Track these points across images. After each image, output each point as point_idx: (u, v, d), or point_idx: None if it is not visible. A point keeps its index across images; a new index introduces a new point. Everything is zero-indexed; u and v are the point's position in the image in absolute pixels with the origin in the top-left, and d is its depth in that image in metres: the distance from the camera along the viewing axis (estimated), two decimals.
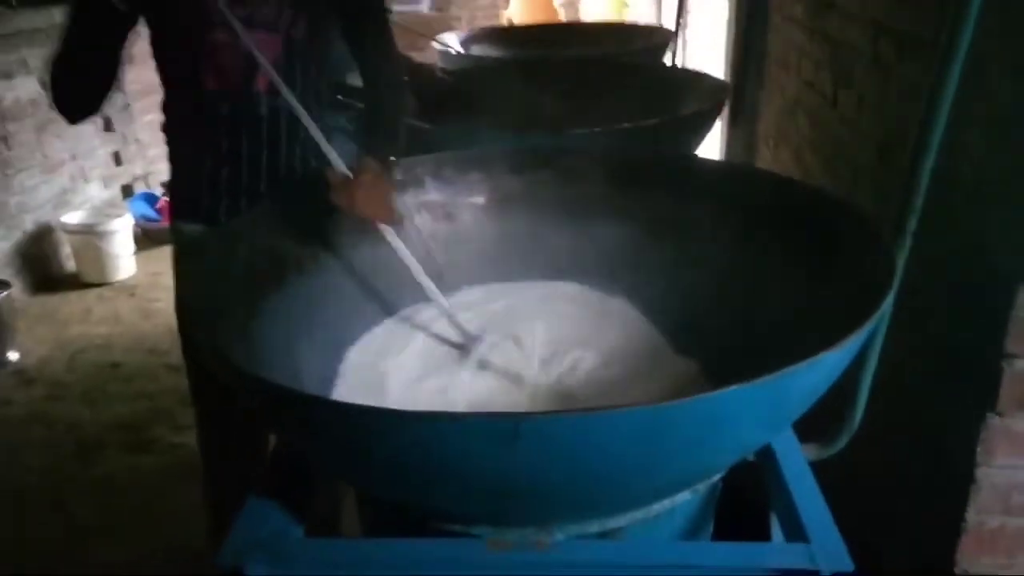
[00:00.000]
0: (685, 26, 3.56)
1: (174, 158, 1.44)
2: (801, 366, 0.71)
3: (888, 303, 0.83)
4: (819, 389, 0.82)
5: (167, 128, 1.44)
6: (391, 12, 1.55)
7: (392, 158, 1.29)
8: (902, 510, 1.33)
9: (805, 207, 1.13)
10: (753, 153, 2.59)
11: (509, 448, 0.67)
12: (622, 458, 0.71)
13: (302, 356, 1.12)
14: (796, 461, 0.99)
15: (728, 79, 2.68)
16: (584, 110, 2.05)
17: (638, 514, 0.90)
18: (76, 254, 3.59)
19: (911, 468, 1.29)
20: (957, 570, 1.18)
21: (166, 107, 1.42)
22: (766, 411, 0.78)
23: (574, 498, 0.81)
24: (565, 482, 0.74)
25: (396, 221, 1.23)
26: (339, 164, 1.22)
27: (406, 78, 1.51)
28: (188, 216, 1.43)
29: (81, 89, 1.27)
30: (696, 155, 1.85)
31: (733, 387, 0.68)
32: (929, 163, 1.02)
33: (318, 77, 1.41)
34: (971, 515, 1.13)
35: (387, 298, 1.31)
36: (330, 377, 1.16)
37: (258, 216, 1.22)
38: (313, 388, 1.07)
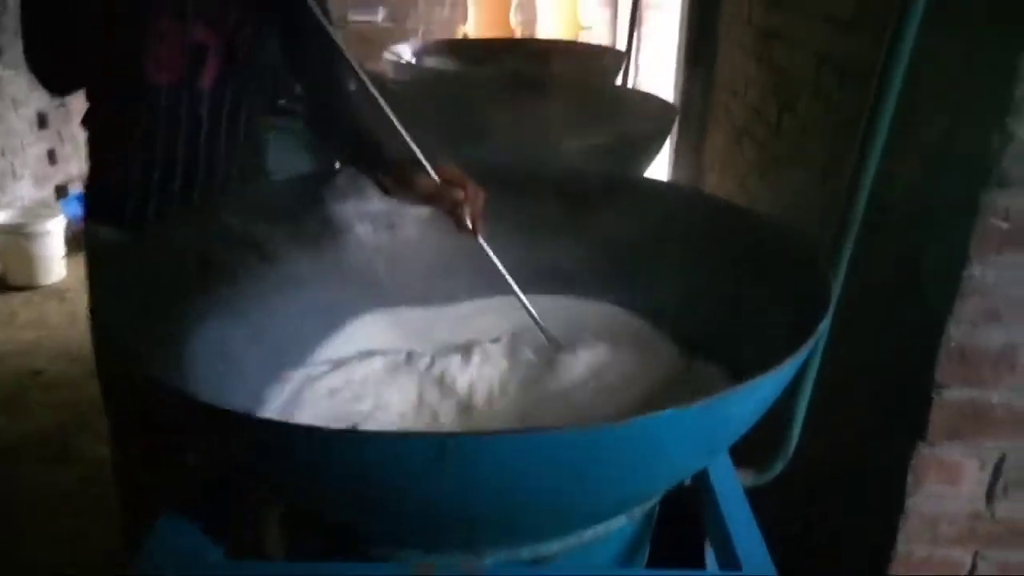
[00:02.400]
0: (638, 49, 3.61)
1: (97, 154, 1.36)
2: (736, 390, 0.70)
3: (823, 328, 0.83)
4: (755, 414, 0.81)
5: (90, 121, 1.35)
6: (343, 24, 1.51)
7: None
8: (837, 537, 1.33)
9: (745, 230, 1.13)
10: (700, 178, 2.62)
11: (435, 468, 0.64)
12: (552, 481, 0.69)
13: (236, 371, 1.07)
14: (732, 488, 0.98)
15: (677, 103, 2.71)
16: (534, 127, 2.05)
17: (571, 540, 0.88)
18: (2, 256, 3.42)
19: (844, 495, 1.30)
20: None
21: (93, 97, 1.33)
22: (701, 436, 0.77)
23: (503, 522, 0.78)
24: (494, 505, 0.71)
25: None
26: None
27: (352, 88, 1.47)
28: (109, 219, 1.34)
29: (60, 43, 1.17)
30: (643, 176, 1.86)
31: (667, 411, 0.66)
32: (865, 190, 1.04)
33: (261, 86, 1.37)
34: (900, 544, 1.14)
35: (333, 311, 1.27)
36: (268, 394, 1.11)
37: (185, 219, 1.16)
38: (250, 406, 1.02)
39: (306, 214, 1.30)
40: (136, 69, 1.25)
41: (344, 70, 1.34)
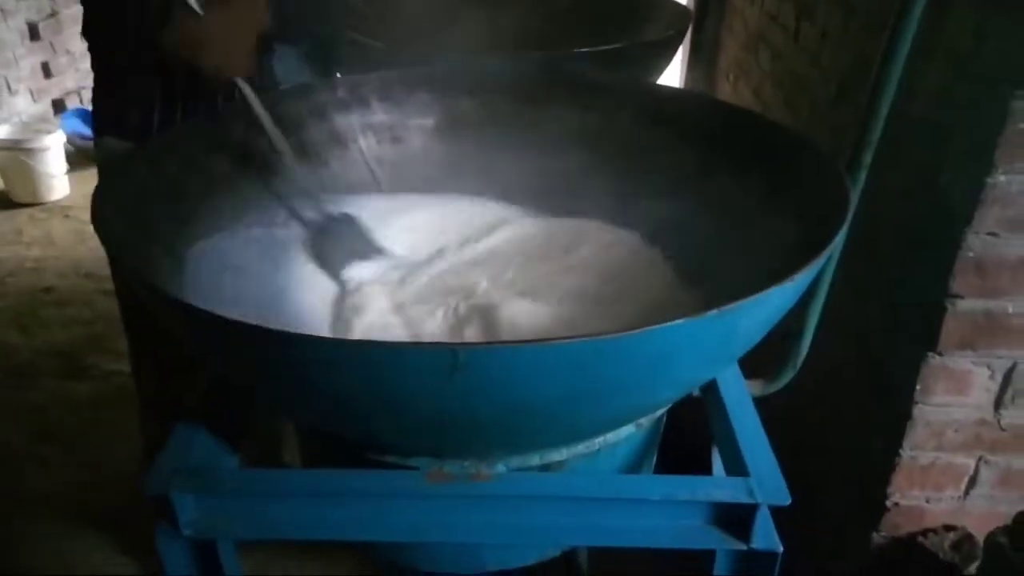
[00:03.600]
0: None
1: (97, 65, 1.31)
2: (749, 301, 0.68)
3: (840, 238, 0.81)
4: (767, 324, 0.80)
5: (88, 29, 1.29)
6: None
7: None
8: (841, 444, 1.36)
9: (763, 139, 1.09)
10: (713, 87, 2.55)
11: (447, 378, 0.64)
12: (563, 391, 0.69)
13: (238, 280, 1.06)
14: (740, 396, 0.99)
15: (691, 8, 2.60)
16: (542, 31, 1.97)
17: (580, 447, 0.89)
18: (4, 172, 3.38)
19: (851, 403, 1.32)
20: (888, 502, 1.21)
21: (86, 1, 1.27)
22: (712, 346, 0.76)
23: (514, 431, 0.78)
24: (504, 414, 0.72)
25: (252, 71, 1.04)
26: None
27: None
28: (115, 132, 1.31)
29: None
30: (655, 82, 1.80)
31: (679, 321, 0.65)
32: (889, 96, 1.00)
33: None
34: (905, 450, 1.16)
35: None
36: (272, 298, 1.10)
37: (189, 131, 1.13)
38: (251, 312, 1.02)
39: (310, 125, 1.27)
40: None
41: None
